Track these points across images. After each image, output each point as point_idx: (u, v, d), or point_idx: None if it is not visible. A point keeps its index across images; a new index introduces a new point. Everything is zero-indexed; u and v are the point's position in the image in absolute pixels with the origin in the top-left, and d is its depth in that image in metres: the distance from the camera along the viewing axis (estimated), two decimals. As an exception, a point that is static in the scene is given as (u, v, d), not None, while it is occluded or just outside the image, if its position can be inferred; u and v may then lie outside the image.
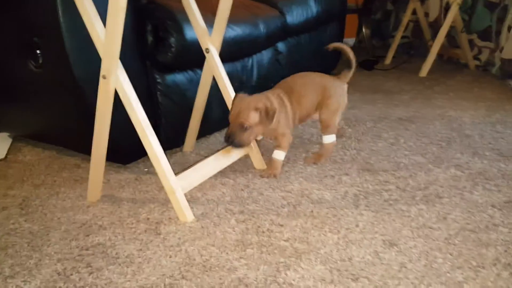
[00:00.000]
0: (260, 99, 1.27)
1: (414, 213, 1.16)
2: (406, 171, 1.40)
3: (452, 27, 2.62)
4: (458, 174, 1.37)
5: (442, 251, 1.00)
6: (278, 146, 1.39)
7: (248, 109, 1.24)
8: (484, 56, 2.65)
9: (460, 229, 1.09)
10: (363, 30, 3.31)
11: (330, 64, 2.72)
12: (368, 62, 2.92)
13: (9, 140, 1.76)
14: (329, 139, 1.45)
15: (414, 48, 3.17)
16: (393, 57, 3.08)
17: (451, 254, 0.99)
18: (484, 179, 1.34)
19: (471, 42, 2.70)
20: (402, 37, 3.12)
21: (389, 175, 1.38)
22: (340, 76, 1.48)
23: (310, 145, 1.65)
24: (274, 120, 1.28)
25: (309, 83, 1.43)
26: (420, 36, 3.15)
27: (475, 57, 2.71)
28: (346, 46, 1.48)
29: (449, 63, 2.94)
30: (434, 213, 1.16)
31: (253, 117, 1.24)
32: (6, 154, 1.63)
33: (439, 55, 2.96)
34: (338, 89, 1.45)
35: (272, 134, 1.38)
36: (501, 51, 2.37)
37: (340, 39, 2.70)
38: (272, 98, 1.32)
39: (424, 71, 2.65)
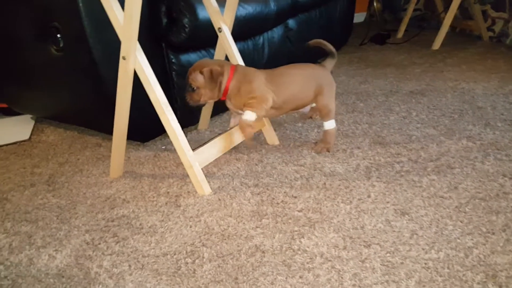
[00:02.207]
0: (209, 63, 1.30)
1: (425, 184, 1.19)
2: (418, 143, 1.43)
3: (464, -1, 2.59)
4: (469, 145, 1.39)
5: (452, 218, 1.03)
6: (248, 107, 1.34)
7: (195, 71, 1.29)
8: (498, 27, 2.61)
9: (471, 197, 1.11)
10: (374, 4, 3.27)
11: (340, 40, 2.70)
12: (380, 36, 2.89)
13: (32, 122, 1.82)
14: (331, 124, 1.43)
15: (427, 21, 3.13)
16: (405, 30, 3.04)
17: (461, 221, 1.02)
18: (495, 149, 1.35)
19: (484, 13, 2.66)
20: (414, 9, 3.08)
21: (401, 148, 1.40)
22: (325, 64, 1.47)
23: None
24: (221, 83, 1.29)
25: (298, 72, 1.41)
26: (432, 9, 3.10)
27: (489, 28, 2.67)
28: (324, 41, 1.47)
29: (461, 35, 2.90)
30: (445, 183, 1.19)
31: (199, 78, 1.29)
32: (30, 135, 1.70)
33: (452, 27, 2.93)
34: (328, 76, 1.44)
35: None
36: (515, 22, 2.34)
37: (350, 13, 2.68)
38: (226, 65, 1.31)
39: (437, 44, 2.63)
